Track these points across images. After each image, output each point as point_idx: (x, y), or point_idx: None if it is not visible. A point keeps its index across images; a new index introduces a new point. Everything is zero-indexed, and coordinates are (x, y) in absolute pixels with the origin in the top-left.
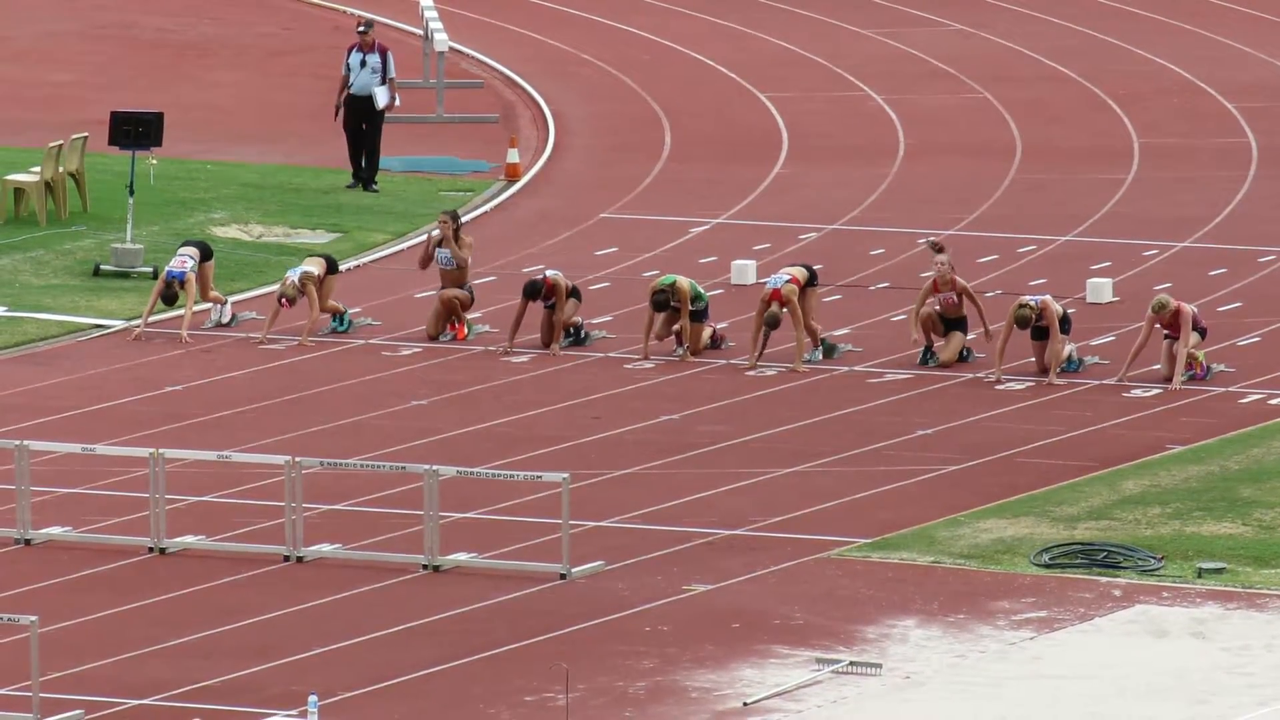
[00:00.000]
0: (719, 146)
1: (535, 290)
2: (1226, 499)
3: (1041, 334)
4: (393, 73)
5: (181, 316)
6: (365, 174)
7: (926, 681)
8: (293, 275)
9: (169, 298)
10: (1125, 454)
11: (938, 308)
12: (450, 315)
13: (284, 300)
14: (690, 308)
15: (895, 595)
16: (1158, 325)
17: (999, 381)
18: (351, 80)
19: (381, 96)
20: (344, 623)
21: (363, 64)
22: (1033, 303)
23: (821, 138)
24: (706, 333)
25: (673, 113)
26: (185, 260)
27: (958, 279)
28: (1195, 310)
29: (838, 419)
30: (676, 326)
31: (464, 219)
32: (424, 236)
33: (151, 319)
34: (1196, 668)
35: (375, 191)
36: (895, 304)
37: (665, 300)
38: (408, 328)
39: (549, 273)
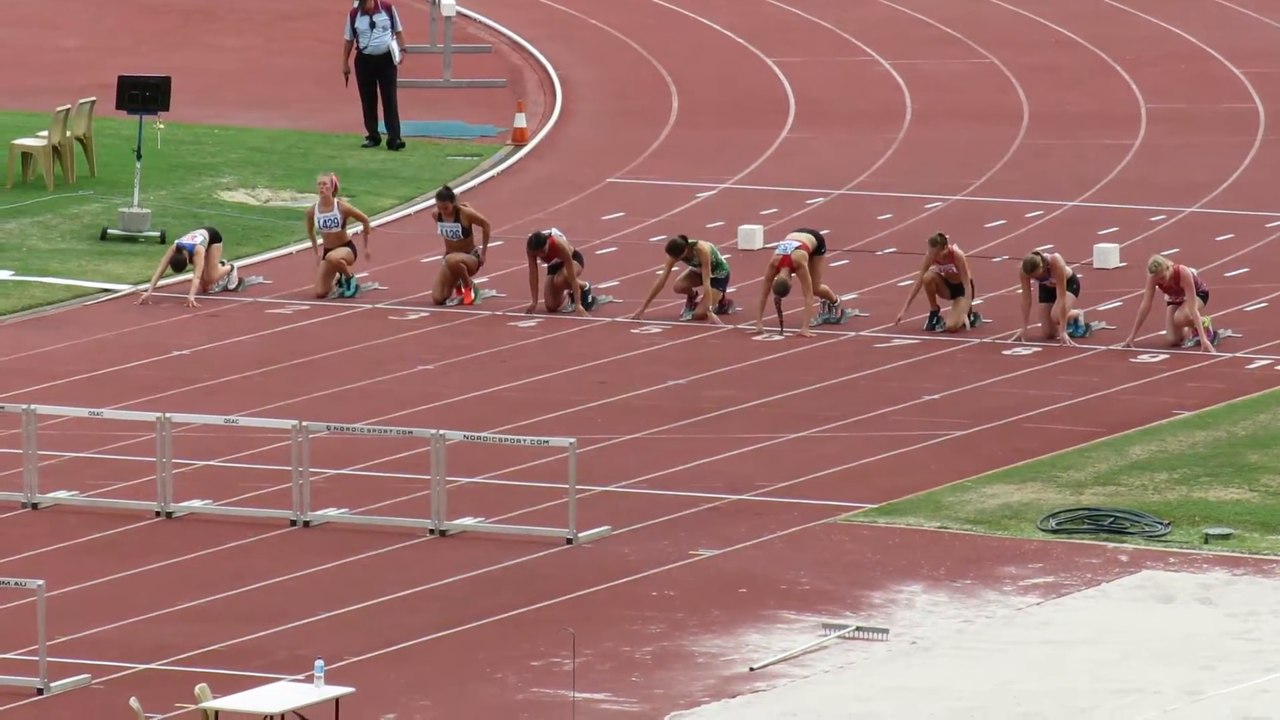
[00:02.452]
0: (726, 111)
1: (539, 241)
2: (1233, 465)
3: (1049, 295)
4: (399, 26)
5: (190, 280)
6: (390, 132)
7: (933, 647)
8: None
9: (178, 263)
10: (1132, 419)
11: (942, 273)
12: (456, 279)
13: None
14: (711, 275)
15: (902, 560)
16: (1159, 289)
17: (1019, 341)
18: (363, 43)
19: (395, 50)
20: (351, 587)
21: (372, 25)
22: (1043, 254)
23: (829, 102)
24: (716, 300)
25: (680, 77)
26: (196, 235)
27: (956, 251)
28: (1196, 273)
29: (845, 384)
30: (696, 287)
31: (473, 182)
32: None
33: (160, 284)
34: (1203, 633)
35: (401, 146)
36: (902, 269)
37: (680, 245)
38: (414, 292)
39: (553, 232)
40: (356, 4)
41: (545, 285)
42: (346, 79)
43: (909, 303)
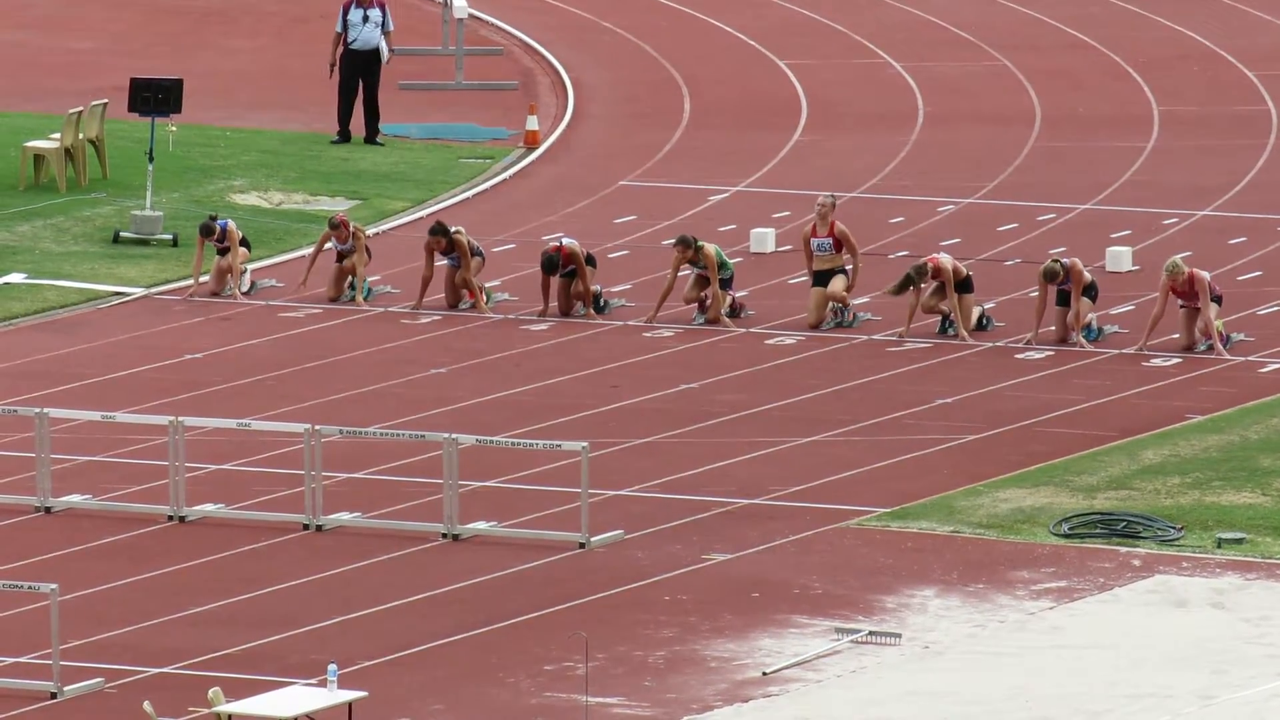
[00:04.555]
0: (738, 114)
1: (553, 265)
2: (1246, 469)
3: (1065, 299)
4: (391, 26)
5: (211, 276)
6: (368, 128)
7: (945, 651)
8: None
9: (207, 230)
10: (1145, 423)
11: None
12: (462, 282)
13: (341, 220)
14: (718, 275)
15: (914, 565)
16: (1173, 294)
17: (1030, 345)
18: (353, 37)
19: (385, 49)
20: (363, 591)
21: (365, 19)
22: (1062, 260)
23: (841, 105)
24: (726, 302)
25: (692, 80)
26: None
27: (942, 265)
28: (1210, 277)
29: (857, 388)
30: (705, 292)
31: (484, 185)
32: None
33: (175, 286)
34: (1216, 638)
35: (380, 144)
36: None
37: (689, 240)
38: (427, 295)
39: (565, 241)
40: None
41: (559, 288)
42: (332, 71)
43: (909, 322)
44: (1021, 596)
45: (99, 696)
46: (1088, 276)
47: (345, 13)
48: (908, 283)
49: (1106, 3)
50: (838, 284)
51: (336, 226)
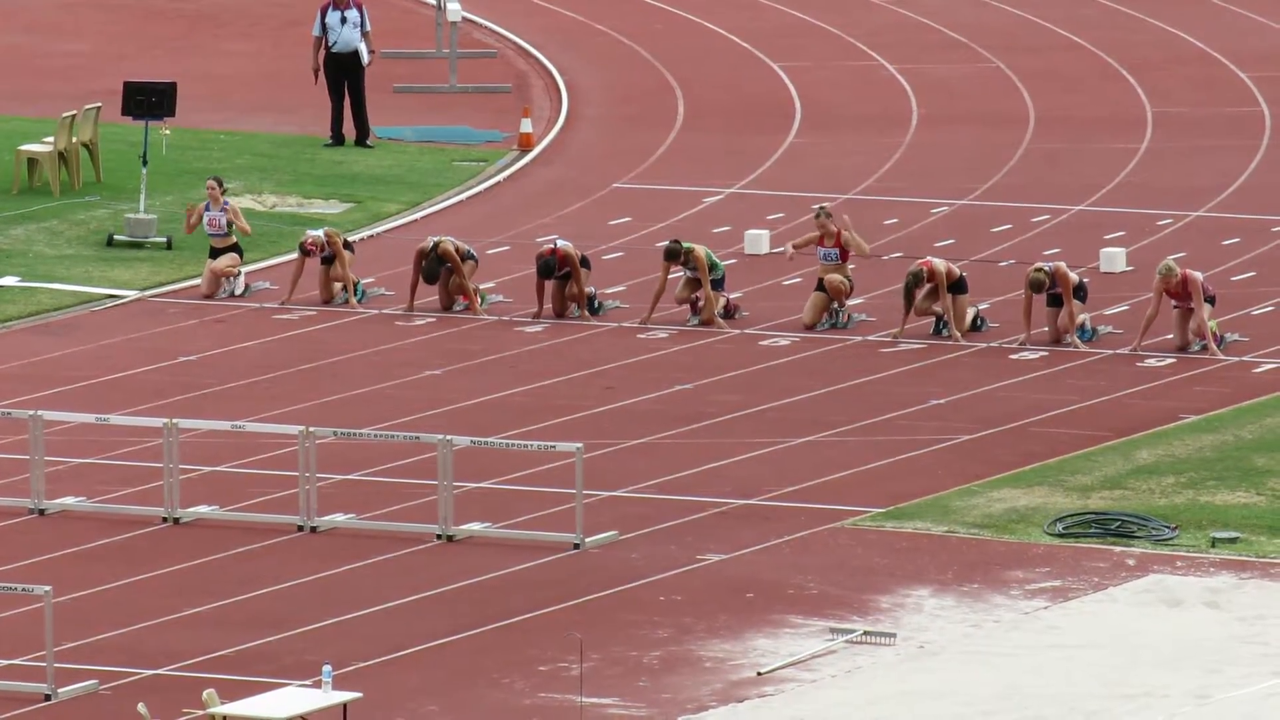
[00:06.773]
0: (732, 116)
1: (549, 270)
2: (1240, 468)
3: (1056, 301)
4: (369, 26)
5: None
6: (358, 131)
7: (940, 651)
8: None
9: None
10: (1139, 423)
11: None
12: (457, 288)
13: (310, 246)
14: (709, 276)
15: (909, 565)
16: (1167, 295)
17: (1024, 346)
18: (333, 39)
19: (364, 51)
20: (358, 593)
21: (343, 20)
22: (1046, 267)
23: (835, 107)
24: (720, 303)
25: (686, 82)
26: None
27: (935, 268)
28: (1203, 278)
29: (851, 388)
30: (697, 294)
31: (479, 188)
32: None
33: (168, 289)
34: (1210, 637)
35: (371, 147)
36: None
37: (676, 250)
38: (421, 297)
39: (560, 243)
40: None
41: (553, 290)
42: (317, 76)
43: (904, 323)
44: (1016, 596)
45: (93, 699)
46: (1074, 278)
47: (323, 15)
48: (908, 290)
49: (1100, 4)
50: (839, 275)
51: (308, 253)
